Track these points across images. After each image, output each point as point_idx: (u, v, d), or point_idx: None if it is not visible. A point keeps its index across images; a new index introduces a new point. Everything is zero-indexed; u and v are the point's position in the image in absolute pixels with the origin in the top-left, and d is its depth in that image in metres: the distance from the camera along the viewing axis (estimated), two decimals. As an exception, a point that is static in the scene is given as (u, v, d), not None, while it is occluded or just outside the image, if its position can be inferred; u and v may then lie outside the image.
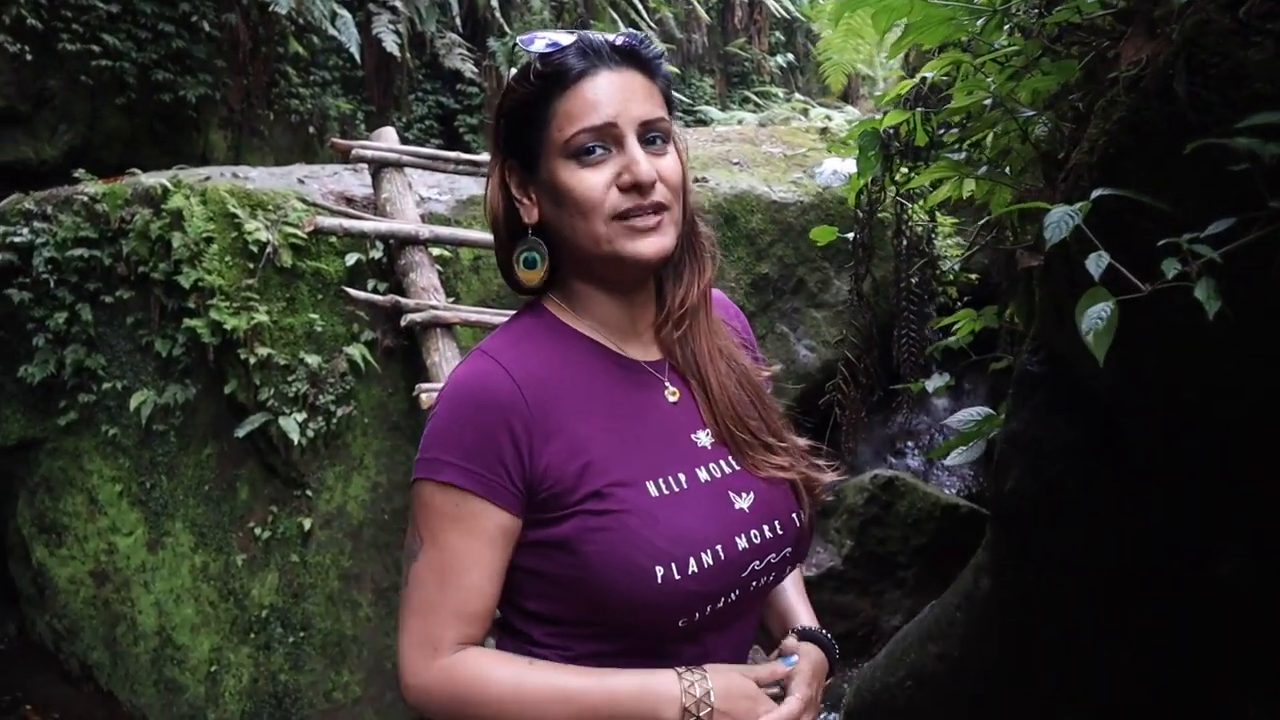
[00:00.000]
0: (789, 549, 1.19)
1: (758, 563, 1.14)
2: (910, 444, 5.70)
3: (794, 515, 1.19)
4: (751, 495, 1.16)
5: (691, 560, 1.08)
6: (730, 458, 1.18)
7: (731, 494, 1.16)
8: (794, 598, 1.33)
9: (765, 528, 1.16)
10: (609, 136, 1.10)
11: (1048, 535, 1.83)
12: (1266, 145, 1.12)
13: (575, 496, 1.09)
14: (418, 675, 1.10)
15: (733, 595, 1.13)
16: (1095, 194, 1.28)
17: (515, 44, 1.28)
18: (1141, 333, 1.36)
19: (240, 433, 3.85)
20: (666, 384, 1.20)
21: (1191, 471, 1.61)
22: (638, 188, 1.10)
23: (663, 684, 1.08)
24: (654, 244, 1.11)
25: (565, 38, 1.13)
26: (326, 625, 3.95)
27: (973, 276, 4.87)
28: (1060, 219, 1.27)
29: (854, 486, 4.81)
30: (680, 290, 1.20)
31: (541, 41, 1.13)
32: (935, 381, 3.23)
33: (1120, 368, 1.46)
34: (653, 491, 1.11)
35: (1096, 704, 1.85)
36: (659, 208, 1.11)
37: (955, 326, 2.49)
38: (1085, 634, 1.83)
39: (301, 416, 3.82)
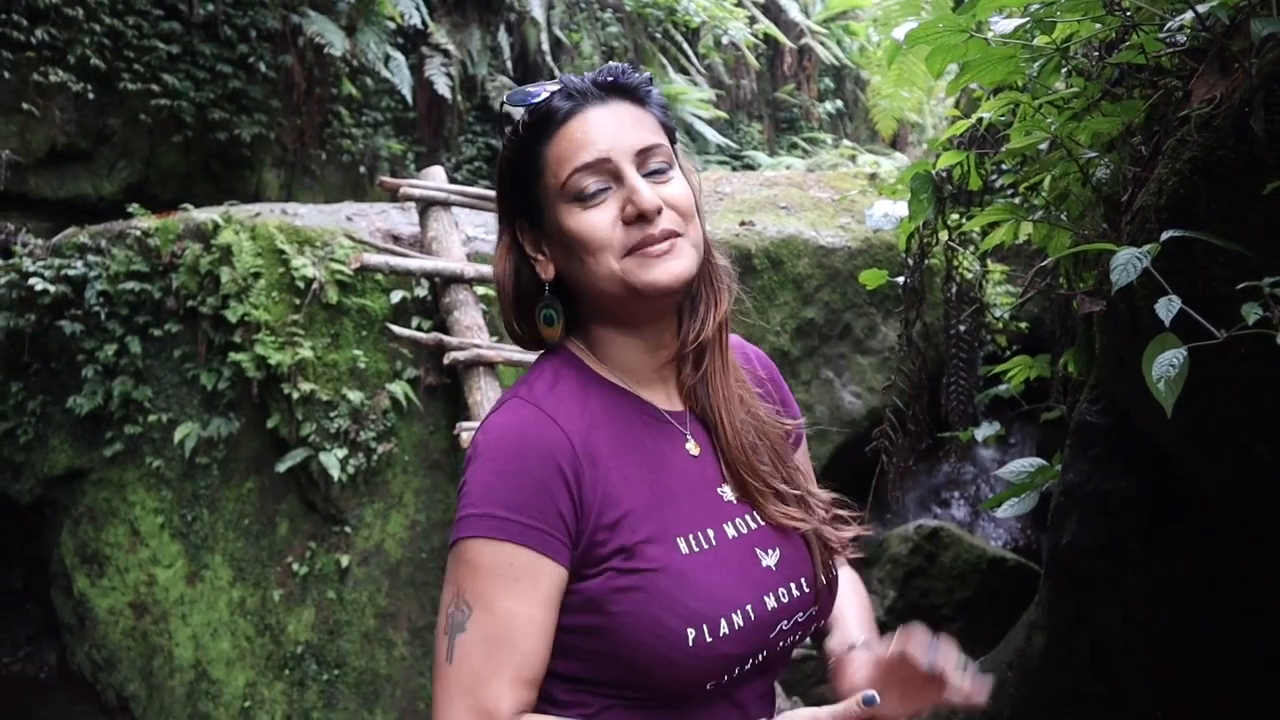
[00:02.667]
0: (814, 608, 1.14)
1: (785, 622, 1.09)
2: (956, 494, 5.57)
3: (818, 573, 1.14)
4: (778, 553, 1.12)
5: (723, 621, 1.02)
6: (754, 513, 1.14)
7: (759, 551, 1.10)
8: (851, 623, 1.25)
9: (792, 585, 1.11)
10: (606, 172, 1.07)
11: (1107, 593, 1.74)
12: (1352, 186, 1.06)
13: (607, 550, 1.04)
14: None
15: (761, 655, 1.08)
16: (1165, 235, 1.22)
17: (503, 103, 1.29)
18: (1211, 382, 1.30)
19: (281, 467, 3.86)
20: (688, 436, 1.15)
21: (1265, 528, 1.52)
22: (643, 217, 1.06)
23: None
24: (669, 269, 1.06)
25: (549, 86, 1.11)
26: (361, 664, 3.91)
27: (1023, 325, 4.78)
28: (1127, 261, 1.21)
29: (898, 536, 4.70)
30: (696, 323, 1.15)
31: (522, 95, 1.11)
32: (985, 430, 3.16)
33: (1187, 419, 1.39)
34: (683, 549, 1.05)
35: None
36: (669, 234, 1.07)
37: (1008, 375, 2.41)
38: (1146, 699, 1.73)
39: (342, 453, 3.82)
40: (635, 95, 1.11)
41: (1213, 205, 1.28)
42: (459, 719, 0.99)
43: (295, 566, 3.93)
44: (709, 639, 1.01)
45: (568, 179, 1.06)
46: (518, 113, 1.13)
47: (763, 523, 1.13)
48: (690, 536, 1.07)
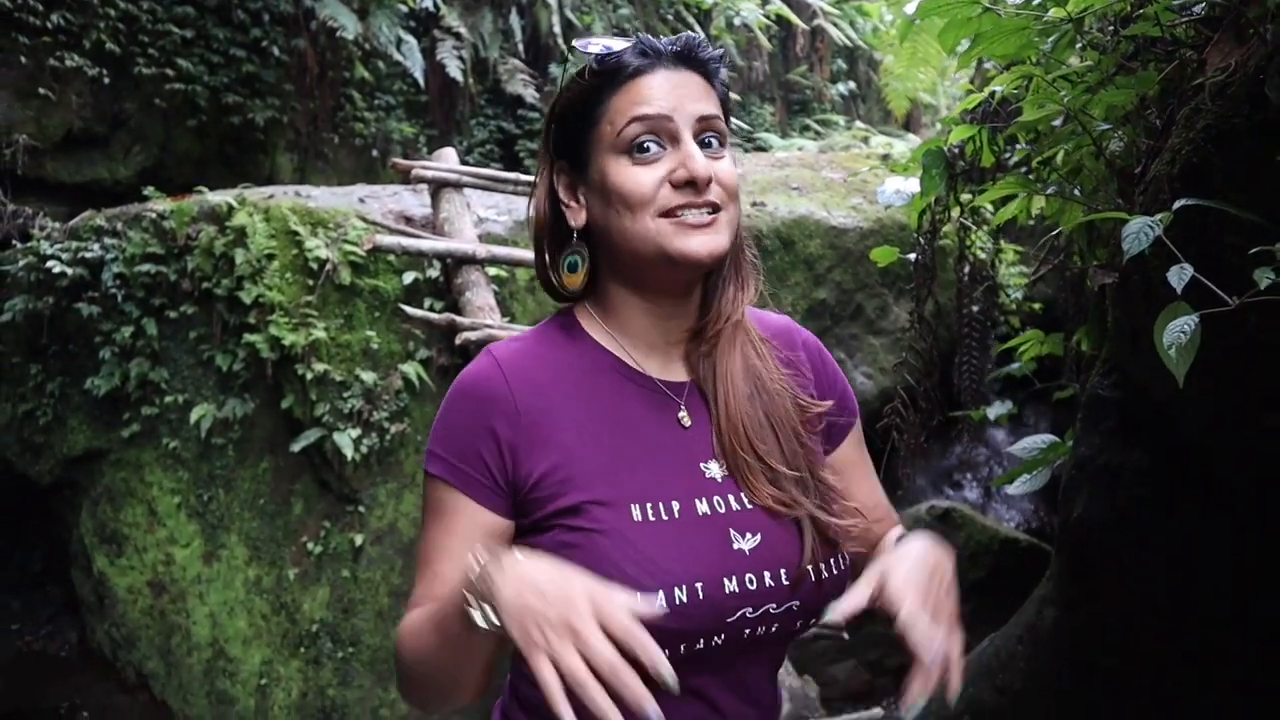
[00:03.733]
0: (796, 602, 1.07)
1: (750, 610, 1.04)
2: (968, 475, 5.57)
3: (809, 568, 1.07)
4: (758, 538, 1.07)
5: (661, 594, 0.99)
6: (741, 494, 1.09)
7: (733, 532, 1.06)
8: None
9: (767, 574, 1.05)
10: (664, 132, 1.07)
11: (1119, 566, 1.74)
12: (1367, 151, 1.05)
13: (552, 508, 1.05)
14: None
15: (716, 639, 1.04)
16: (1178, 204, 1.22)
17: (571, 48, 1.27)
18: (1224, 352, 1.29)
19: (295, 447, 3.89)
20: (682, 406, 1.13)
21: (1277, 500, 1.52)
22: (692, 184, 1.05)
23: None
24: (706, 242, 1.06)
25: (621, 42, 1.11)
26: (375, 641, 3.95)
27: (1036, 305, 4.77)
28: (1140, 230, 1.21)
29: (910, 517, 4.70)
30: (727, 304, 1.15)
31: (598, 45, 1.11)
32: (997, 409, 3.15)
33: (1199, 390, 1.38)
34: (635, 515, 1.04)
35: (1171, 746, 1.75)
36: (714, 207, 1.07)
37: (1020, 350, 2.41)
38: (1155, 671, 1.73)
39: (356, 433, 3.85)
40: (705, 69, 1.12)
41: (1226, 173, 1.27)
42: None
43: (310, 546, 3.97)
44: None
45: (625, 127, 1.07)
46: (581, 58, 1.13)
47: (750, 505, 1.09)
48: (649, 505, 1.05)
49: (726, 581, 1.03)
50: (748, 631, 1.05)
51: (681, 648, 1.02)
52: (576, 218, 1.13)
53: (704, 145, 1.08)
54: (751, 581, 1.04)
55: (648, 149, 1.07)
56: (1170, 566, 1.67)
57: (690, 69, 1.10)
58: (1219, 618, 1.63)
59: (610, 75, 1.09)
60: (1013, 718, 2.03)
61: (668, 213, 1.06)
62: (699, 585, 1.01)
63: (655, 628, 0.94)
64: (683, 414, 1.13)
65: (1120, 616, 1.76)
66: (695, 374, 1.15)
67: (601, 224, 1.11)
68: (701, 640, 1.03)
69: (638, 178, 1.06)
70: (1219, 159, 1.27)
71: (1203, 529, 1.61)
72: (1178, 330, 1.09)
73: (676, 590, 1.00)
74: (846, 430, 1.25)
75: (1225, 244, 1.27)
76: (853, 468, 1.25)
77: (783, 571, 1.06)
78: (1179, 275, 1.15)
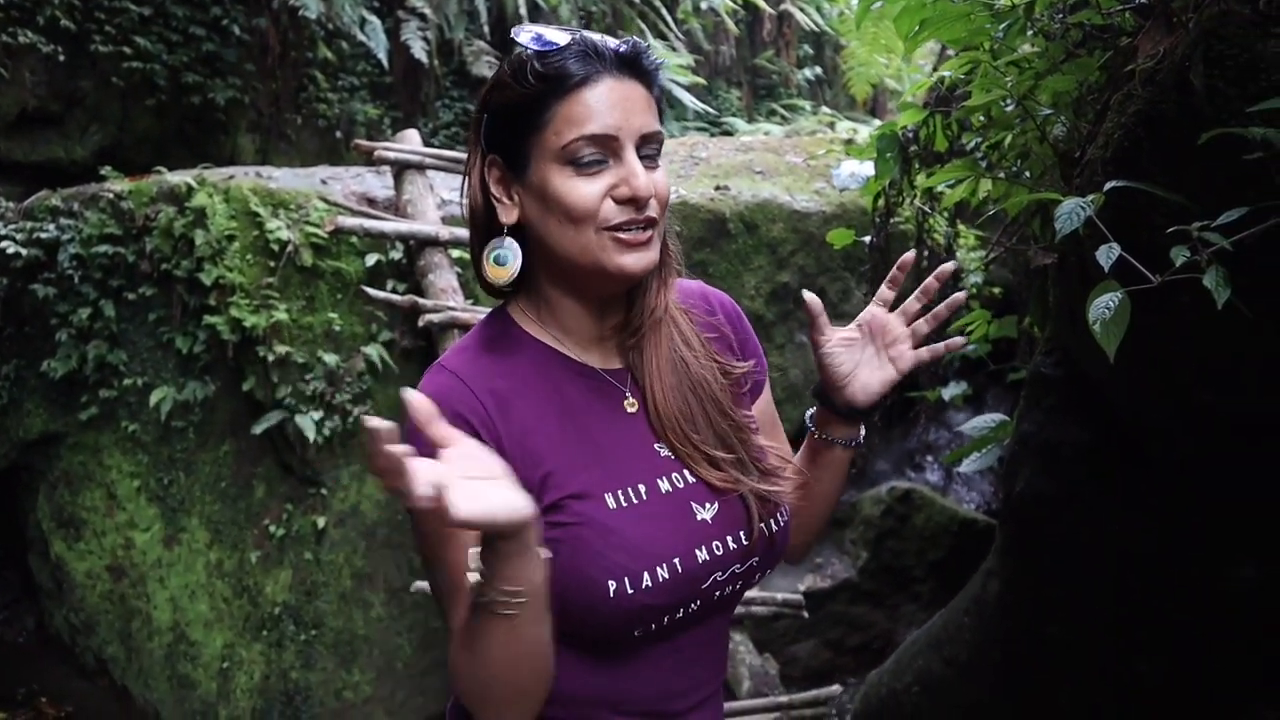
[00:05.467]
0: (755, 559, 1.16)
1: (720, 573, 1.12)
2: (930, 458, 5.64)
3: (760, 524, 1.15)
4: (715, 506, 1.14)
5: (646, 575, 1.05)
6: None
7: (694, 505, 1.13)
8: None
9: (729, 538, 1.13)
10: (608, 147, 1.08)
11: (1058, 538, 1.79)
12: (1282, 134, 1.09)
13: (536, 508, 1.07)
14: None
15: (693, 605, 1.12)
16: (1108, 186, 1.26)
17: (511, 35, 1.25)
18: (1153, 330, 1.34)
19: (257, 430, 3.88)
20: (627, 394, 1.18)
21: (1208, 474, 1.57)
22: (634, 201, 1.08)
23: None
24: (641, 258, 1.10)
25: (561, 36, 1.09)
26: (338, 624, 3.96)
27: (995, 290, 4.83)
28: (1072, 210, 1.25)
29: (871, 498, 4.77)
30: (649, 301, 1.17)
31: (528, 35, 1.09)
32: (953, 390, 3.21)
33: (1132, 367, 1.43)
34: (611, 504, 1.08)
35: (1106, 710, 1.81)
36: (650, 223, 1.10)
37: (969, 329, 2.46)
38: (1095, 638, 1.79)
39: (318, 415, 3.84)
40: (648, 79, 1.12)
41: (1155, 157, 1.31)
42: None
43: (272, 529, 3.96)
44: (630, 590, 1.04)
45: (570, 143, 1.06)
46: (520, 52, 1.11)
47: (699, 479, 1.15)
48: (620, 492, 1.09)
49: (698, 552, 1.10)
50: (718, 594, 1.14)
51: (665, 619, 1.09)
52: (508, 215, 1.13)
53: (643, 159, 1.10)
54: (718, 548, 1.12)
55: (591, 162, 1.08)
56: (1107, 538, 1.72)
57: (633, 78, 1.10)
58: (1153, 585, 1.69)
59: (554, 81, 1.07)
60: (959, 688, 2.09)
61: (609, 227, 1.08)
62: (676, 560, 1.08)
63: (641, 606, 1.05)
64: (628, 400, 1.17)
65: (1060, 587, 1.82)
66: (627, 362, 1.19)
67: (539, 229, 1.12)
68: (682, 609, 1.11)
69: (580, 190, 1.07)
70: (1148, 143, 1.31)
71: (1138, 501, 1.67)
72: (1102, 306, 1.13)
73: (659, 569, 1.07)
74: (762, 385, 1.32)
75: (1155, 225, 1.30)
76: (770, 420, 1.33)
77: (741, 534, 1.14)
78: (1107, 254, 1.19)
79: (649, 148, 1.11)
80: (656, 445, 1.15)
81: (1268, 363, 1.34)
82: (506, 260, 1.13)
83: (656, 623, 1.09)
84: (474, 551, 0.96)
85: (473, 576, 0.96)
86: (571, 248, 1.09)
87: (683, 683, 1.16)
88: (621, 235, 1.08)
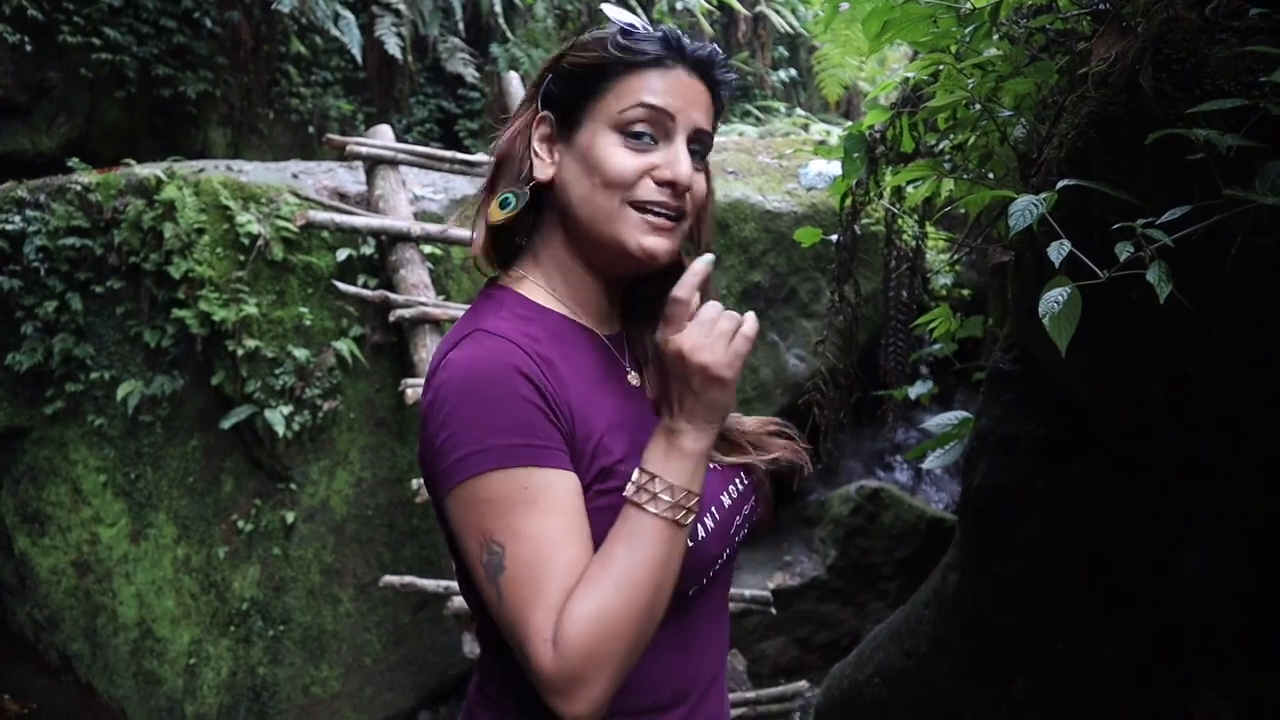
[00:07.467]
0: (753, 500, 1.21)
1: (739, 516, 1.17)
2: (898, 457, 5.70)
3: (754, 467, 1.21)
4: (717, 454, 1.18)
5: (707, 521, 1.10)
6: None
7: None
8: None
9: (737, 480, 1.18)
10: (661, 126, 1.10)
11: (1014, 531, 1.83)
12: (1224, 136, 1.13)
13: (590, 473, 1.06)
14: (554, 669, 0.96)
15: (728, 551, 1.15)
16: (1060, 184, 1.29)
17: (600, 10, 1.29)
18: (1105, 326, 1.37)
19: (226, 424, 3.86)
20: (628, 368, 1.20)
21: (1157, 468, 1.62)
22: (673, 185, 1.10)
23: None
24: (663, 243, 1.10)
25: (654, 27, 1.14)
26: (307, 620, 3.95)
27: (965, 292, 4.89)
28: (1025, 208, 1.28)
29: (839, 497, 4.82)
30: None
31: (630, 17, 1.13)
32: (919, 389, 3.25)
33: (1087, 361, 1.47)
34: None
35: (1061, 699, 1.85)
36: (680, 214, 1.12)
37: (932, 326, 2.50)
38: (1049, 628, 1.83)
39: (287, 409, 3.83)
40: (716, 86, 1.16)
41: (1106, 157, 1.35)
42: (536, 648, 0.98)
43: (240, 524, 3.94)
44: (700, 539, 1.08)
45: (629, 108, 1.09)
46: (608, 26, 1.14)
47: None
48: None
49: (724, 497, 1.14)
50: (738, 539, 1.18)
51: (711, 572, 1.13)
52: (544, 170, 1.14)
53: (691, 154, 1.12)
54: (734, 492, 1.17)
55: (642, 136, 1.10)
56: (1061, 529, 1.76)
57: (704, 82, 1.14)
58: (1105, 575, 1.73)
59: (631, 52, 1.11)
60: (919, 679, 2.12)
61: (639, 204, 1.10)
62: (713, 508, 1.12)
63: (708, 556, 1.09)
64: (630, 374, 1.20)
65: (1015, 578, 1.85)
66: (627, 333, 1.23)
67: (570, 190, 1.12)
68: (721, 558, 1.14)
69: (624, 158, 1.09)
70: (1100, 143, 1.35)
71: (1090, 494, 1.71)
72: (1052, 300, 1.17)
73: (707, 519, 1.10)
74: None
75: (1107, 224, 1.34)
76: None
77: (739, 479, 1.19)
78: (1058, 250, 1.22)
79: (698, 145, 1.14)
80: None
81: (1210, 362, 1.37)
82: (510, 204, 1.14)
83: (712, 571, 1.12)
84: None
85: (640, 493, 1.02)
86: (596, 213, 1.10)
87: (704, 662, 1.18)
88: (649, 216, 1.09)
